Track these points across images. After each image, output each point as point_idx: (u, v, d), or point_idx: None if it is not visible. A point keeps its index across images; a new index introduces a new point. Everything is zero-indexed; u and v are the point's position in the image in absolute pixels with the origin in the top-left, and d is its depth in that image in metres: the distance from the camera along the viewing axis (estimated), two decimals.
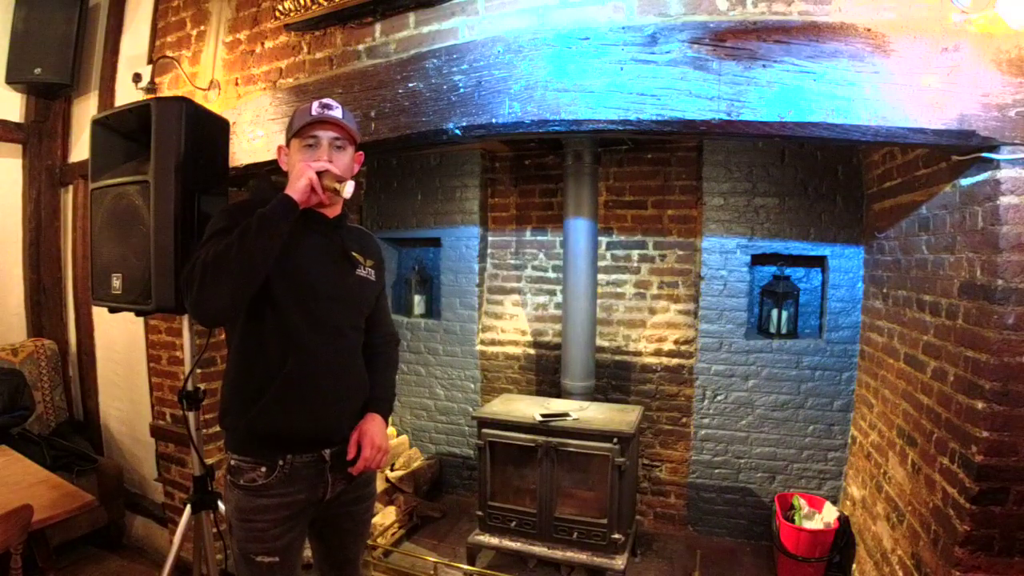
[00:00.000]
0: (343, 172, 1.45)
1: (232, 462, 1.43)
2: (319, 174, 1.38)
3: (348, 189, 1.43)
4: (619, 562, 2.35)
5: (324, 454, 1.45)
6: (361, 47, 2.06)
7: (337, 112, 1.44)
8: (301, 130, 1.43)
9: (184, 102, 1.78)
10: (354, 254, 1.53)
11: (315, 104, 1.43)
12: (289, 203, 1.33)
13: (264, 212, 1.30)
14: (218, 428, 1.76)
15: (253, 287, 1.31)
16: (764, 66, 1.53)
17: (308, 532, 1.55)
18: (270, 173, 2.22)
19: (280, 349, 1.38)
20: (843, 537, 2.48)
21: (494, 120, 1.75)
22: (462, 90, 1.79)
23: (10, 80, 3.10)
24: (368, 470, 1.49)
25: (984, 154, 1.49)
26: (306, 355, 1.39)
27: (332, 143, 1.44)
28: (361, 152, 1.57)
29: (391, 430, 3.45)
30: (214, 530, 1.97)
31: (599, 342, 2.94)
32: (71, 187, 3.36)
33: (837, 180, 2.66)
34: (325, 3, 2.03)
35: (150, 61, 2.82)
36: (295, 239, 1.39)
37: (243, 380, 1.42)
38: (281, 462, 1.40)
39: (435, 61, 1.85)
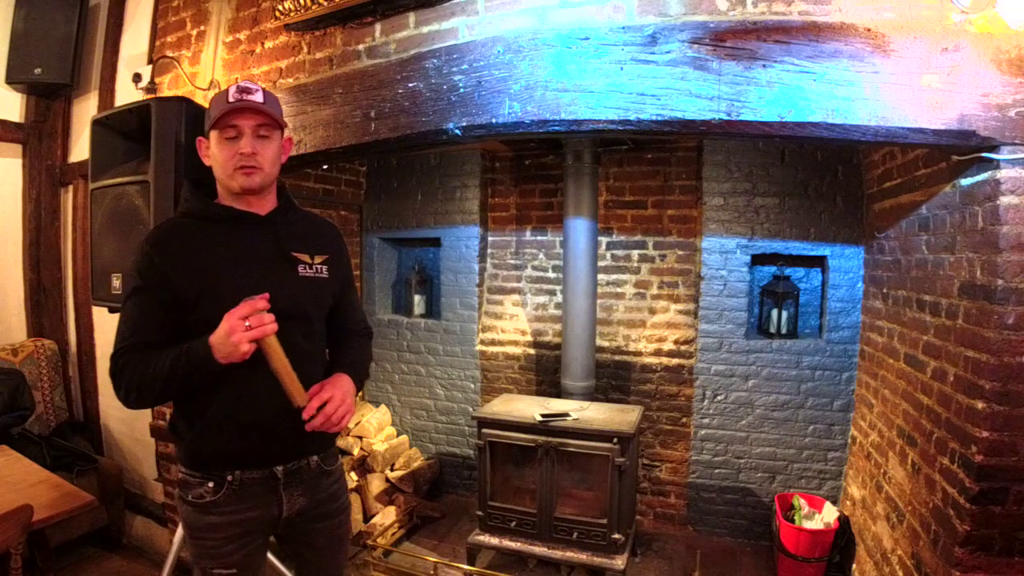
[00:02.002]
0: (269, 163, 1.32)
1: (180, 475, 1.37)
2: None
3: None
4: (619, 562, 2.35)
5: (276, 471, 1.36)
6: (361, 47, 2.06)
7: (258, 96, 1.29)
8: (219, 120, 1.27)
9: (184, 102, 1.79)
10: (295, 253, 1.38)
11: (232, 89, 1.29)
12: (211, 364, 1.19)
13: (187, 365, 1.20)
14: None
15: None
16: (764, 66, 1.53)
17: (284, 552, 1.48)
18: None
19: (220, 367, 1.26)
20: (843, 537, 2.48)
21: (494, 120, 1.75)
22: (462, 90, 1.79)
23: (10, 80, 3.11)
24: (327, 427, 1.30)
25: (984, 154, 1.49)
26: (247, 372, 1.25)
27: (255, 132, 1.29)
28: (290, 137, 1.43)
29: (391, 430, 3.45)
30: None
31: (599, 342, 2.94)
32: (71, 187, 3.36)
33: (837, 180, 2.65)
34: (325, 3, 2.03)
35: (150, 61, 2.83)
36: (220, 246, 1.26)
37: (184, 399, 1.33)
38: (230, 478, 1.32)
39: (435, 61, 1.85)
